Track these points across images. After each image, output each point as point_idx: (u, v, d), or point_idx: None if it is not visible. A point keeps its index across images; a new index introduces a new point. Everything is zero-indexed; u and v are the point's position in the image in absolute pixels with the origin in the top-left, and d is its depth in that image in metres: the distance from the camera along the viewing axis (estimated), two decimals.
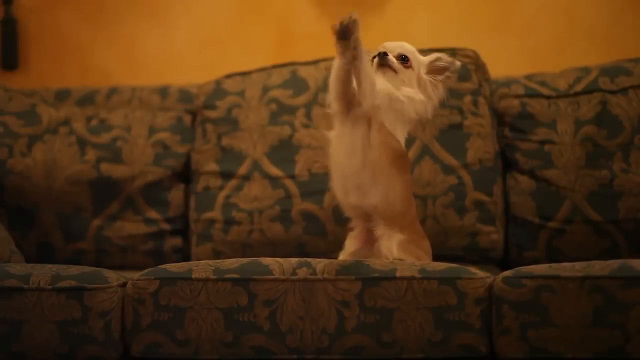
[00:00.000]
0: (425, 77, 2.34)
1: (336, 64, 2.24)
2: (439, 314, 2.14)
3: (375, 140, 2.25)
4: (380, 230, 2.27)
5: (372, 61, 2.32)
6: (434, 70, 2.35)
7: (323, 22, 3.40)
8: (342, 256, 2.36)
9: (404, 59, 2.32)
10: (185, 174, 3.07)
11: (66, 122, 3.08)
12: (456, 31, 3.34)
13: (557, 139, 2.88)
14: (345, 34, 2.17)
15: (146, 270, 2.26)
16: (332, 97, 2.28)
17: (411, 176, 2.46)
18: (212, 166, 3.00)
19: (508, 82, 2.99)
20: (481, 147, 2.90)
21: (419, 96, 2.33)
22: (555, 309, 2.10)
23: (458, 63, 2.35)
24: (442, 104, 2.87)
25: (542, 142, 2.89)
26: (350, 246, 2.35)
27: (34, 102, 3.13)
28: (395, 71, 2.31)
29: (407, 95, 2.31)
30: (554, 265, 2.17)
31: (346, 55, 2.18)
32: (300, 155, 2.95)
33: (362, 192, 2.26)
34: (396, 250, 2.25)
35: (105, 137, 3.06)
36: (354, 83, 2.23)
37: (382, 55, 2.31)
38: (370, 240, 2.32)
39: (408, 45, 2.36)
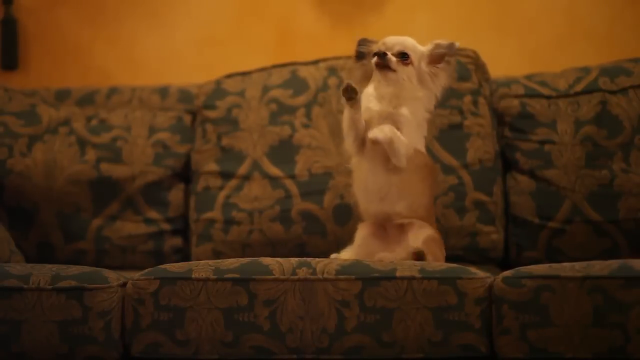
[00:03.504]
0: (425, 69, 2.33)
1: (347, 114, 2.31)
2: (439, 314, 2.14)
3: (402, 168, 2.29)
4: (407, 220, 2.31)
5: (372, 60, 2.32)
6: (434, 59, 2.34)
7: (323, 22, 3.40)
8: (352, 248, 2.38)
9: (403, 56, 2.32)
10: (185, 174, 3.07)
11: (66, 122, 3.08)
12: (456, 31, 3.33)
13: (557, 139, 2.88)
14: (351, 96, 2.26)
15: (146, 270, 2.26)
16: (349, 142, 2.34)
17: (437, 184, 2.49)
18: (212, 166, 3.00)
19: (508, 82, 2.99)
20: (481, 147, 2.90)
21: (421, 93, 2.32)
22: (555, 309, 2.10)
23: (456, 44, 2.34)
24: (443, 104, 2.90)
25: (542, 142, 2.89)
26: (361, 237, 2.37)
27: (34, 102, 3.13)
28: (394, 70, 2.31)
29: (415, 97, 2.31)
30: (554, 265, 2.17)
31: (355, 107, 2.28)
32: (300, 155, 2.95)
33: (387, 203, 2.32)
34: (422, 243, 2.27)
35: (105, 137, 3.06)
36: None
37: (382, 56, 2.30)
38: (382, 231, 2.33)
39: (409, 40, 2.34)
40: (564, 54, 3.31)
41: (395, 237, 2.32)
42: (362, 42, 2.37)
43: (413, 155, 2.29)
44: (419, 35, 3.33)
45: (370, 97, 2.33)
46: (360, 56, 2.37)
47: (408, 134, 2.29)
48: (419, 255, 2.25)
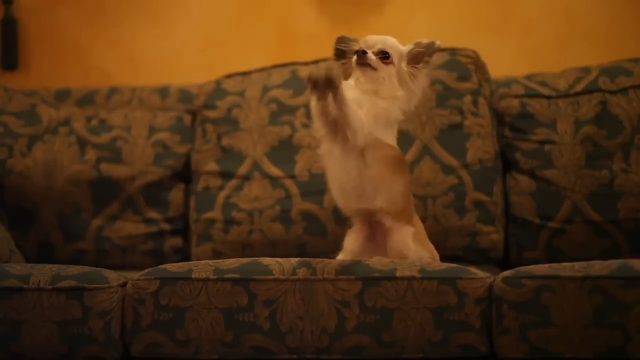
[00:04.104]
0: (405, 69, 2.29)
1: (314, 105, 2.22)
2: (439, 314, 2.14)
3: (371, 158, 2.24)
4: (388, 223, 2.26)
5: (352, 57, 2.30)
6: (413, 58, 2.30)
7: (323, 22, 3.40)
8: (343, 254, 2.35)
9: (384, 55, 2.29)
10: (185, 174, 3.07)
11: (66, 122, 3.08)
12: (456, 31, 3.34)
13: (557, 139, 2.88)
14: (316, 85, 2.16)
15: (146, 270, 2.26)
16: (318, 125, 2.25)
17: (410, 174, 2.45)
18: (212, 166, 3.00)
19: (508, 82, 2.99)
20: (481, 147, 2.90)
21: (400, 93, 2.30)
22: (555, 309, 2.10)
23: (437, 43, 2.30)
24: (443, 104, 2.90)
25: (542, 142, 2.89)
26: (351, 243, 2.34)
27: (34, 102, 3.13)
28: (374, 69, 2.29)
29: (392, 96, 2.28)
30: (554, 265, 2.17)
31: (321, 101, 2.18)
32: (300, 155, 2.95)
33: (365, 199, 2.26)
34: (411, 242, 2.25)
35: (105, 137, 3.06)
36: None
37: (361, 54, 2.27)
38: (371, 235, 2.31)
39: (390, 39, 2.30)
40: (564, 54, 3.31)
41: (384, 241, 2.30)
42: (341, 39, 2.32)
43: (380, 146, 2.25)
44: (418, 35, 3.32)
45: (348, 86, 2.30)
46: (339, 54, 2.32)
47: (373, 123, 2.25)
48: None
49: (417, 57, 2.30)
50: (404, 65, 2.29)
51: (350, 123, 2.18)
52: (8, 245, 2.77)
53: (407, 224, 2.28)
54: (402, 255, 2.24)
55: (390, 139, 2.29)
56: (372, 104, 2.25)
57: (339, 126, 2.21)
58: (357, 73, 2.29)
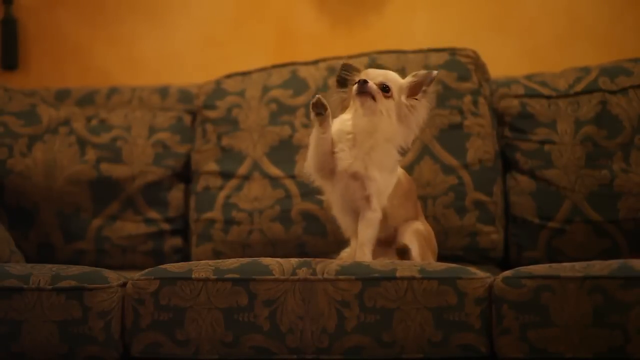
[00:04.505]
0: (404, 102, 2.28)
1: (314, 135, 2.26)
2: (439, 314, 2.14)
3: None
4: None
5: (353, 87, 2.29)
6: (412, 90, 2.29)
7: (323, 22, 3.40)
8: (348, 252, 2.38)
9: (384, 89, 2.27)
10: (185, 174, 3.07)
11: (66, 122, 3.08)
12: (456, 31, 3.34)
13: (557, 139, 2.88)
14: (320, 112, 2.21)
15: (146, 270, 2.26)
16: (312, 168, 2.30)
17: (417, 197, 2.48)
18: (212, 166, 3.00)
19: (508, 82, 2.99)
20: (481, 147, 2.90)
21: (396, 131, 2.29)
22: (555, 309, 2.10)
23: (434, 72, 2.29)
24: (443, 104, 2.90)
25: (542, 142, 2.89)
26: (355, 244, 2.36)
27: (34, 102, 3.13)
28: (374, 99, 2.27)
29: (386, 139, 2.27)
30: (554, 265, 2.17)
31: (323, 126, 2.23)
32: (300, 155, 2.95)
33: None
34: (409, 234, 2.29)
35: (105, 137, 3.06)
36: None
37: (362, 83, 2.25)
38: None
39: (391, 73, 2.30)
40: (564, 54, 3.31)
41: (389, 238, 2.33)
42: (346, 67, 2.32)
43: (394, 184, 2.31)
44: (418, 35, 3.35)
45: (345, 121, 2.30)
46: (341, 82, 2.32)
47: (386, 163, 2.28)
48: (402, 251, 2.25)
49: (415, 88, 2.30)
50: (403, 98, 2.28)
51: (371, 198, 2.25)
52: (8, 245, 2.77)
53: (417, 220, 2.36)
54: (400, 247, 2.27)
55: (393, 172, 2.31)
56: (369, 147, 2.26)
57: (332, 169, 2.28)
58: (355, 104, 2.28)
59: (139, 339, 2.21)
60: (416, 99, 2.29)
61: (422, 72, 2.30)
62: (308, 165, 2.32)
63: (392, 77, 2.30)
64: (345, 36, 3.34)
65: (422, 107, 2.30)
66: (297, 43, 3.42)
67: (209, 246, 2.95)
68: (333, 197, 2.34)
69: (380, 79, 2.28)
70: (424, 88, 2.29)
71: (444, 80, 2.93)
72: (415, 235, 2.30)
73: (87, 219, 3.02)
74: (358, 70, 2.31)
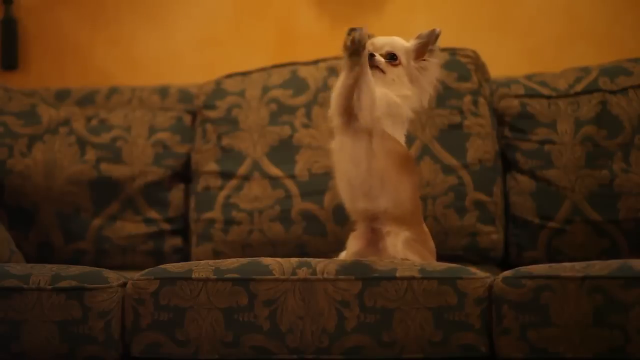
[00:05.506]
0: (414, 66, 2.29)
1: (341, 80, 2.21)
2: (439, 314, 2.14)
3: (379, 149, 2.22)
4: (387, 228, 2.26)
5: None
6: (419, 52, 2.30)
7: (323, 22, 3.40)
8: (345, 256, 2.35)
9: (392, 57, 2.29)
10: (185, 174, 3.07)
11: (66, 122, 3.08)
12: (456, 31, 3.33)
13: (557, 139, 2.89)
14: (358, 49, 2.15)
15: (146, 270, 2.26)
16: (334, 111, 2.25)
17: (418, 176, 2.44)
18: (212, 166, 3.00)
19: (508, 82, 2.99)
20: (481, 147, 2.90)
21: (411, 91, 2.30)
22: (555, 309, 2.10)
23: (437, 30, 2.30)
24: (443, 104, 2.90)
25: (542, 142, 2.89)
26: (353, 246, 2.33)
27: (34, 102, 3.13)
28: (383, 71, 2.28)
29: (401, 95, 2.29)
30: (554, 265, 2.17)
31: (354, 71, 2.17)
32: (300, 155, 2.95)
33: (371, 198, 2.24)
34: (401, 247, 2.24)
35: (105, 137, 3.06)
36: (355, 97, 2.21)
37: (370, 57, 2.25)
38: (374, 239, 2.29)
39: (397, 40, 2.30)
40: (564, 54, 3.31)
41: (381, 244, 2.29)
42: (359, 33, 2.30)
43: (388, 138, 2.24)
44: None
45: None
46: (357, 49, 2.27)
47: (385, 111, 2.25)
48: None
49: (422, 49, 2.30)
50: (412, 62, 2.29)
51: (362, 100, 2.18)
52: (8, 245, 2.77)
53: (410, 228, 2.27)
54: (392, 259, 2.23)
55: (400, 137, 2.29)
56: (384, 95, 2.25)
57: (352, 116, 2.21)
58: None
59: (139, 339, 2.21)
60: (425, 60, 2.30)
61: (426, 31, 2.31)
62: (332, 111, 2.25)
63: (398, 44, 2.30)
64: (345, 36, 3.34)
65: (432, 65, 2.31)
66: (297, 43, 3.42)
67: (209, 246, 2.95)
68: (341, 164, 2.28)
69: (386, 49, 2.29)
70: (430, 47, 2.30)
71: (444, 80, 2.92)
72: (408, 246, 2.26)
73: (87, 219, 3.02)
74: (370, 36, 2.27)
